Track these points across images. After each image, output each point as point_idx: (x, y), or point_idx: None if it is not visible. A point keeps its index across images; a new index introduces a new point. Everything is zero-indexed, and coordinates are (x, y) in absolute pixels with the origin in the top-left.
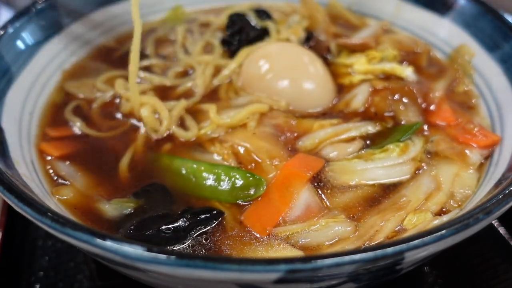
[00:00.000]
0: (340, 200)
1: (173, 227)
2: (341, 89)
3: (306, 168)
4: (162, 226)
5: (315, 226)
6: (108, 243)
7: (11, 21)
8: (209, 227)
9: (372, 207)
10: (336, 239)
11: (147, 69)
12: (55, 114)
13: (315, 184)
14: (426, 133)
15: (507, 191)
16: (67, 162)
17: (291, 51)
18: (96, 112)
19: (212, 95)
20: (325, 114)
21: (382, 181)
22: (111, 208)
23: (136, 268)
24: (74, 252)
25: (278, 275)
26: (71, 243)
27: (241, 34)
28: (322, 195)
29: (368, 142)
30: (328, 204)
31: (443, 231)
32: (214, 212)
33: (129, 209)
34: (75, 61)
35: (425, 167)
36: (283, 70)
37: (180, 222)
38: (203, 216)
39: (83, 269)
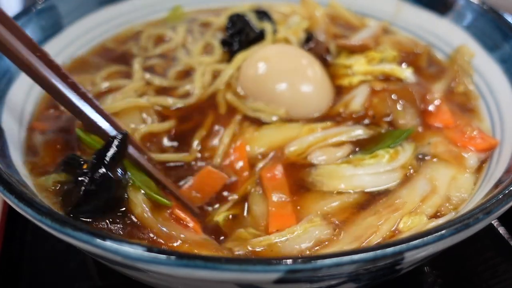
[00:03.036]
0: (328, 205)
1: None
2: (340, 90)
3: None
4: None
5: (292, 234)
6: (108, 243)
7: None
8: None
9: (363, 210)
10: (314, 242)
11: (148, 68)
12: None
13: (302, 189)
14: (423, 135)
15: (507, 191)
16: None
17: (289, 54)
18: None
19: (210, 100)
20: (323, 117)
21: (370, 189)
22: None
23: (136, 268)
24: (74, 252)
25: (278, 275)
26: (71, 243)
27: (241, 35)
28: (307, 199)
29: (358, 147)
30: (310, 209)
31: (443, 231)
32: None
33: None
34: (75, 58)
35: (418, 172)
36: (281, 75)
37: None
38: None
39: (83, 269)
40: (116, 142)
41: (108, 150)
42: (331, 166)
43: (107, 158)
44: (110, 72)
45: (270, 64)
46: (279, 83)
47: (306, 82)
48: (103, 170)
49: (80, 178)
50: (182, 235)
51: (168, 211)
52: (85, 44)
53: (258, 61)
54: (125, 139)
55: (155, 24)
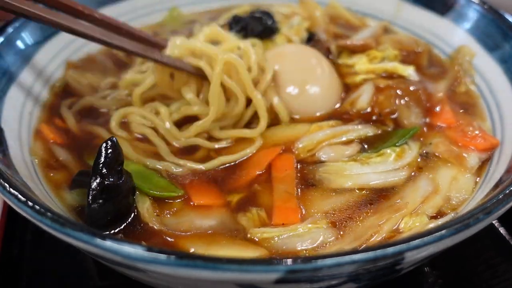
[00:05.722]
0: (333, 203)
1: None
2: (348, 88)
3: None
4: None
5: (295, 232)
6: (108, 243)
7: (11, 21)
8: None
9: (367, 209)
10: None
11: None
12: (55, 114)
13: (308, 185)
14: (426, 135)
15: (507, 191)
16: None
17: (301, 53)
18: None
19: None
20: (330, 115)
21: (376, 186)
22: (71, 197)
23: (136, 268)
24: (74, 252)
25: (278, 275)
26: (71, 243)
27: (246, 30)
28: (313, 196)
29: (366, 145)
30: (316, 205)
31: (444, 231)
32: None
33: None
34: (80, 56)
35: (421, 172)
36: (295, 74)
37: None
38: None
39: (83, 269)
40: (103, 149)
41: (99, 159)
42: (338, 164)
43: (101, 167)
44: (114, 82)
45: (284, 63)
46: (292, 81)
47: (319, 80)
48: (98, 180)
49: (88, 198)
50: (196, 224)
51: (181, 200)
52: (85, 43)
53: (273, 60)
54: (113, 142)
55: (154, 28)
